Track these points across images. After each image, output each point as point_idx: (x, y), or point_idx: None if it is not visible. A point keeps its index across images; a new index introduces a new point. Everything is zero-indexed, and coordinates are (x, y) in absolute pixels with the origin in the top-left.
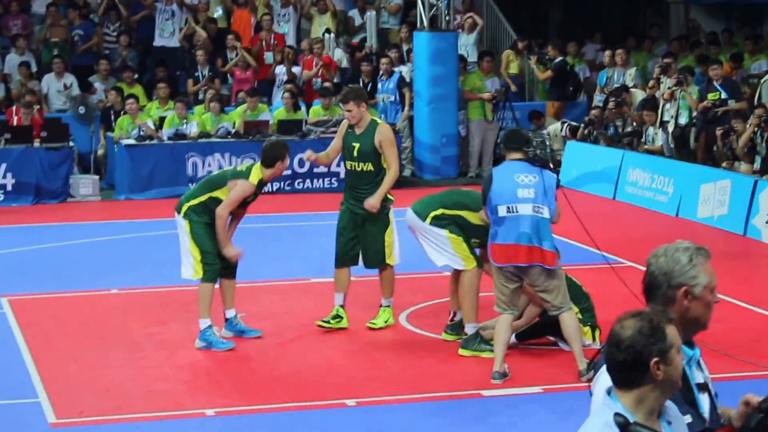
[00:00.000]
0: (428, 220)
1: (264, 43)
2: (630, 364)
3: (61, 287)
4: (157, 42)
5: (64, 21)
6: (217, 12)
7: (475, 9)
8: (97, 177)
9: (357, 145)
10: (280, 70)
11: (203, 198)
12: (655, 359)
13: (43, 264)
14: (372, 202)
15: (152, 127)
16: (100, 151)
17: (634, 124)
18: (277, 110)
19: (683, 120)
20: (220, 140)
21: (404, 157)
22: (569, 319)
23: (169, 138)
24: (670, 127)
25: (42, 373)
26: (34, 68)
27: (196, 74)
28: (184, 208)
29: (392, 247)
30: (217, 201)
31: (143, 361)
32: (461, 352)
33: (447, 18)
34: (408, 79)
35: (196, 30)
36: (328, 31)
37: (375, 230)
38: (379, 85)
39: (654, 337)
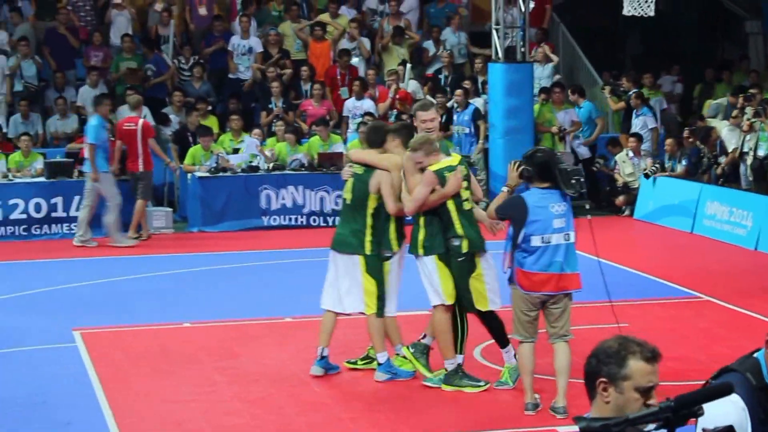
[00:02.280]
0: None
1: (339, 75)
2: (585, 372)
3: (133, 320)
4: (232, 75)
5: (137, 53)
6: (296, 45)
7: (551, 40)
8: (170, 210)
9: None
10: (354, 103)
11: (370, 222)
12: (602, 379)
13: (115, 297)
14: None
15: (227, 158)
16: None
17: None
18: (351, 142)
19: (762, 152)
20: (294, 172)
21: None
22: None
23: (243, 170)
24: (749, 160)
25: (114, 407)
26: (109, 100)
27: (270, 106)
28: (367, 246)
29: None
30: (379, 211)
31: (214, 396)
32: (444, 387)
33: (522, 49)
34: (483, 111)
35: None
36: (404, 62)
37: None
38: (454, 117)
39: (610, 359)
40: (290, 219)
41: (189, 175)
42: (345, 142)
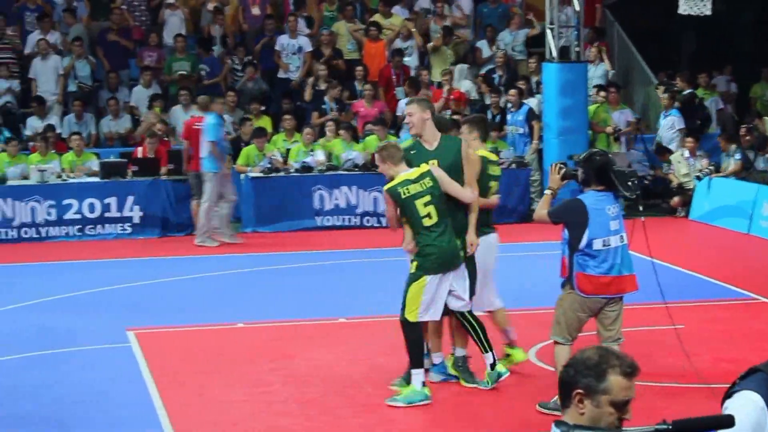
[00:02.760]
0: None
1: (394, 76)
2: (561, 382)
3: (187, 321)
4: (281, 74)
5: (190, 53)
6: (349, 45)
7: (606, 40)
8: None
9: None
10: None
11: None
12: (579, 391)
13: (169, 297)
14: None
15: (280, 158)
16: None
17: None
18: (404, 142)
19: None
20: (348, 173)
21: (533, 190)
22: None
23: (296, 170)
24: None
25: (168, 407)
26: (162, 100)
27: (323, 107)
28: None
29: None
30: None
31: (269, 396)
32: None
33: (577, 49)
34: (537, 111)
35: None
36: (456, 62)
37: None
38: (508, 117)
39: (589, 371)
40: (343, 219)
41: (242, 176)
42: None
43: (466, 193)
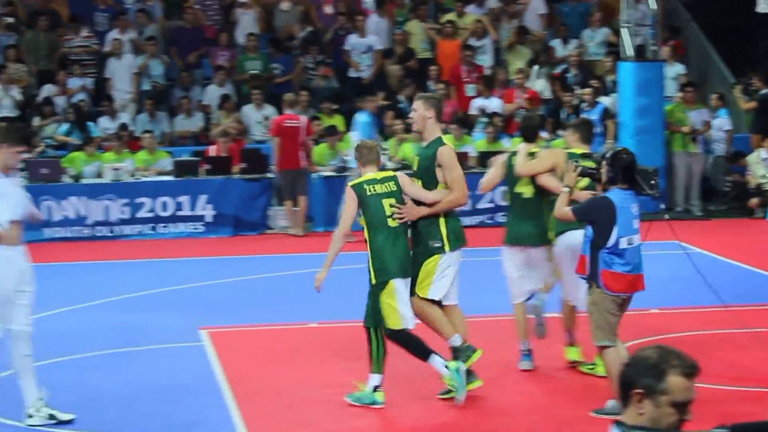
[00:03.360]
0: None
1: (465, 73)
2: (620, 381)
3: (259, 320)
4: (352, 73)
5: (262, 52)
6: (422, 44)
7: (683, 38)
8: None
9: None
10: (480, 102)
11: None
12: (638, 390)
13: (242, 296)
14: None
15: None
16: None
17: None
18: (477, 142)
19: None
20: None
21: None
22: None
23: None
24: None
25: (241, 407)
26: (234, 100)
27: (400, 106)
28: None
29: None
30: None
31: (342, 397)
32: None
33: (653, 48)
34: (612, 110)
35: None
36: (532, 62)
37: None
38: (583, 116)
39: (648, 371)
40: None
41: (314, 175)
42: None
43: (428, 195)
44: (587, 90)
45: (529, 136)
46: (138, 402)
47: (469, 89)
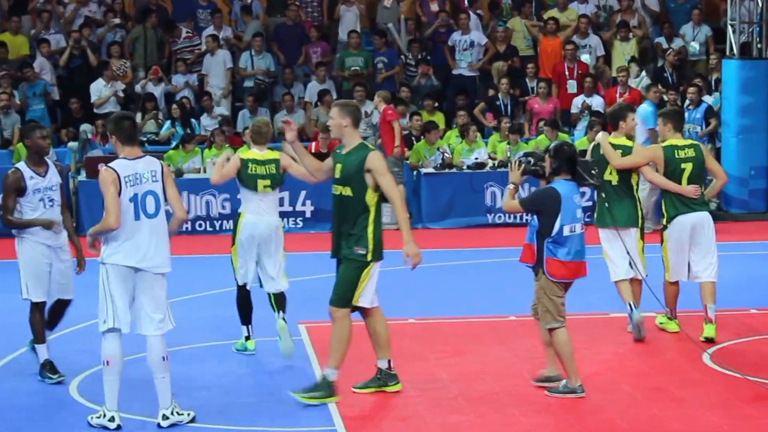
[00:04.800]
0: None
1: (567, 70)
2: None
3: (357, 315)
4: (456, 71)
5: (363, 49)
6: (525, 42)
7: None
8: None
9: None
10: (581, 100)
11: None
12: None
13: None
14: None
15: (449, 153)
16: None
17: None
18: (579, 140)
19: None
20: None
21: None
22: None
23: (468, 167)
24: None
25: (338, 402)
26: (334, 96)
27: (498, 103)
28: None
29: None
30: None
31: (438, 393)
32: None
33: (759, 46)
34: (715, 109)
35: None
36: (633, 59)
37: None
38: (686, 115)
39: None
40: (515, 217)
41: (414, 172)
42: (573, 138)
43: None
44: (691, 89)
45: (614, 124)
46: (237, 394)
47: (571, 86)
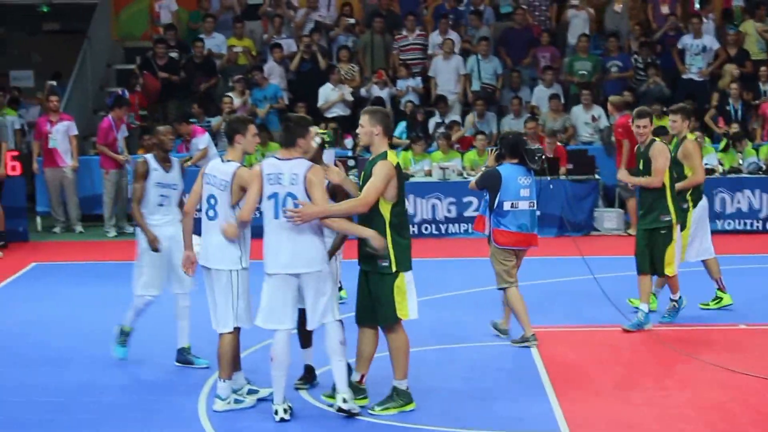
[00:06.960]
0: None
1: None
2: None
3: (581, 321)
4: (685, 75)
5: (591, 53)
6: (758, 45)
7: None
8: (621, 211)
9: None
10: None
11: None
12: None
13: (566, 296)
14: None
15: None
16: None
17: None
18: None
19: None
20: (750, 176)
21: None
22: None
23: (725, 172)
24: None
25: (564, 407)
26: (562, 100)
27: (728, 108)
28: None
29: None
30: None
31: (667, 401)
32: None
33: None
34: None
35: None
36: None
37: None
38: None
39: None
40: (745, 223)
41: None
42: None
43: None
44: None
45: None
46: (460, 396)
47: None
